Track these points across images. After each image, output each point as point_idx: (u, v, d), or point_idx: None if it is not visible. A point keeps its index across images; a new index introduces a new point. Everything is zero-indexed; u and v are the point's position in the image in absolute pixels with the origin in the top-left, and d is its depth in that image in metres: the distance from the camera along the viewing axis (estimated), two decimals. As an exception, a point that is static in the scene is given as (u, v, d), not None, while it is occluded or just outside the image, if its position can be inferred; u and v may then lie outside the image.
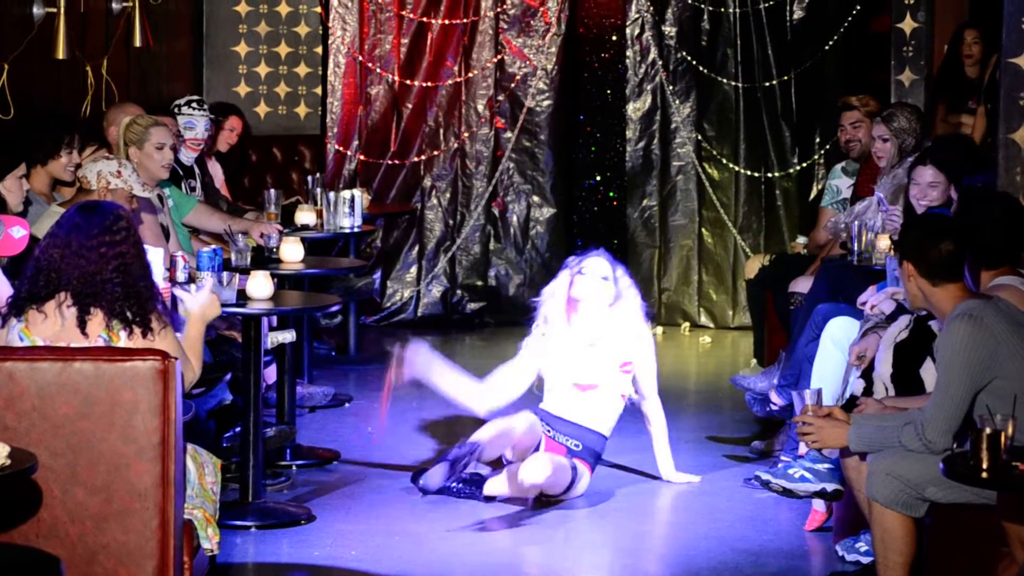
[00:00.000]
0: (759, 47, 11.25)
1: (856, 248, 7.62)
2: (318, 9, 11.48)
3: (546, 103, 11.35)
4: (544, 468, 6.79)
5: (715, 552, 6.37)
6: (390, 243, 11.45)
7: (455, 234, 11.44)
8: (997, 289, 5.51)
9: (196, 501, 5.34)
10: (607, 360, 7.16)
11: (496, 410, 7.27)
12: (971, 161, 7.29)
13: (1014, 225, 5.72)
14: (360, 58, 11.24)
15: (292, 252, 7.87)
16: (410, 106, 11.33)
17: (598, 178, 11.63)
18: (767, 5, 11.21)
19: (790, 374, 7.34)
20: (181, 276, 6.87)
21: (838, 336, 6.82)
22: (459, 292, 11.45)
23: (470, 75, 11.30)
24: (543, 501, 6.91)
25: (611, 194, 11.61)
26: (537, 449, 7.05)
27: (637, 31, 11.31)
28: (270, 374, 7.82)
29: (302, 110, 11.67)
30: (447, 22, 11.26)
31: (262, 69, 11.63)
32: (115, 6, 9.41)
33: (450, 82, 11.31)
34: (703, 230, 11.41)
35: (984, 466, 4.70)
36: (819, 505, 6.53)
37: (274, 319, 7.57)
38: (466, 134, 11.34)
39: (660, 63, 11.27)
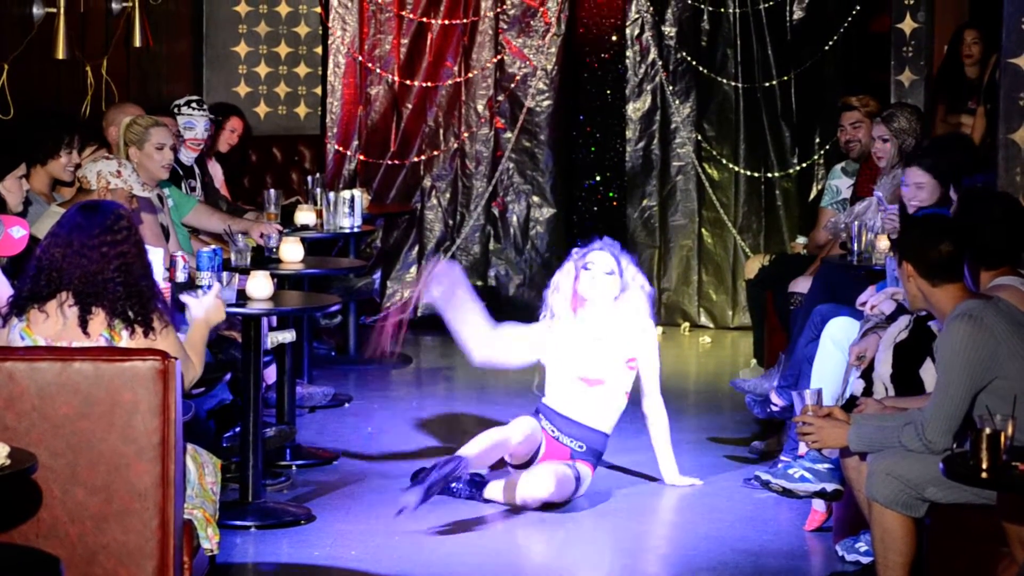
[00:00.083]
0: (759, 47, 11.26)
1: (856, 248, 7.62)
2: (318, 9, 11.48)
3: (546, 103, 11.35)
4: (547, 484, 6.78)
5: (715, 552, 6.38)
6: (390, 243, 11.45)
7: (455, 234, 11.44)
8: (997, 289, 5.51)
9: (196, 501, 5.34)
10: (613, 355, 7.14)
11: (485, 363, 7.24)
12: (961, 162, 7.28)
13: (1014, 225, 5.72)
14: (360, 58, 11.24)
15: (292, 252, 7.87)
16: (410, 106, 11.33)
17: (598, 178, 11.63)
18: (767, 5, 11.21)
19: (790, 374, 7.34)
20: (181, 276, 6.88)
21: (838, 336, 6.82)
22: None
23: (470, 75, 11.31)
24: (545, 505, 6.90)
25: (611, 194, 11.61)
26: (537, 453, 7.04)
27: (637, 31, 11.31)
28: (270, 374, 7.82)
29: (302, 110, 11.67)
30: (447, 22, 11.26)
31: (262, 69, 11.63)
32: (115, 6, 9.41)
33: (450, 82, 11.31)
34: (703, 230, 11.41)
35: (984, 466, 4.70)
36: (819, 505, 6.53)
37: (274, 319, 7.57)
38: (466, 134, 11.35)
39: (660, 63, 11.28)
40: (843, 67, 11.25)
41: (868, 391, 5.98)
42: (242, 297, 6.70)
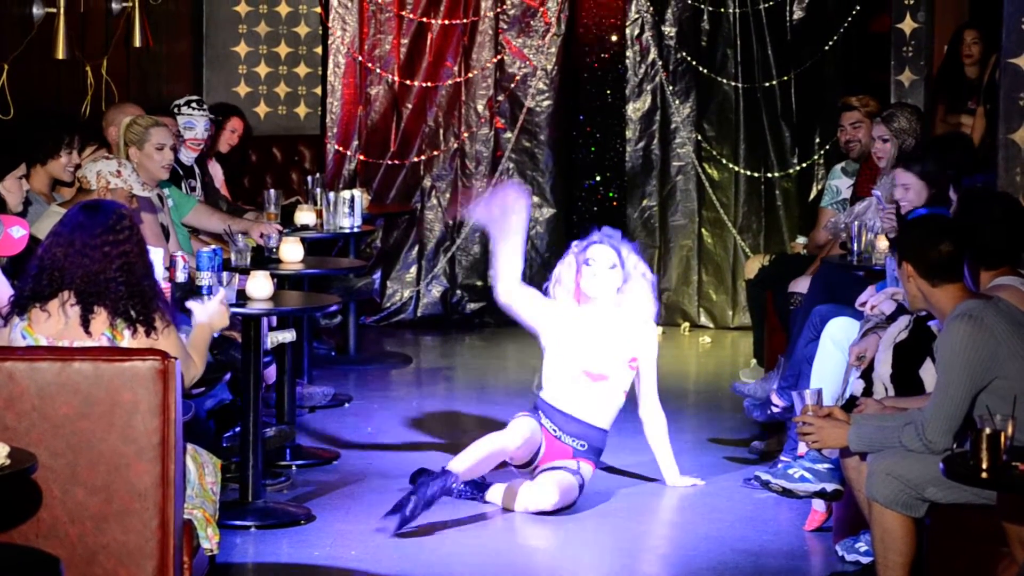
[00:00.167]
0: (759, 47, 11.26)
1: (856, 248, 7.62)
2: (318, 9, 11.48)
3: (546, 103, 11.35)
4: (550, 496, 6.77)
5: (715, 552, 6.38)
6: (390, 243, 11.45)
7: (455, 234, 11.44)
8: (997, 289, 5.51)
9: (196, 501, 5.34)
10: (618, 351, 7.13)
11: (505, 302, 7.19)
12: (953, 163, 7.30)
13: (1014, 225, 5.72)
14: (360, 58, 11.24)
15: (292, 252, 7.87)
16: (410, 106, 11.33)
17: (598, 178, 11.63)
18: (767, 5, 11.21)
19: (790, 375, 7.34)
20: (181, 276, 6.88)
21: (838, 336, 6.82)
22: (459, 292, 11.46)
23: (470, 75, 11.31)
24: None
25: (611, 194, 11.61)
26: (537, 453, 7.03)
27: (637, 31, 11.31)
28: (270, 374, 7.82)
29: (302, 110, 11.67)
30: (447, 22, 11.26)
31: (262, 69, 11.63)
32: (115, 6, 9.41)
33: (450, 82, 11.31)
34: (703, 230, 11.41)
35: (984, 466, 4.70)
36: (819, 505, 6.53)
37: (274, 319, 7.57)
38: (466, 134, 11.34)
39: (660, 63, 11.28)
40: (843, 67, 11.25)
41: (868, 391, 5.98)
42: (242, 297, 6.70)
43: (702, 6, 11.25)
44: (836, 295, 7.45)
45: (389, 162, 11.35)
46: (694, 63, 11.28)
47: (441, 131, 11.38)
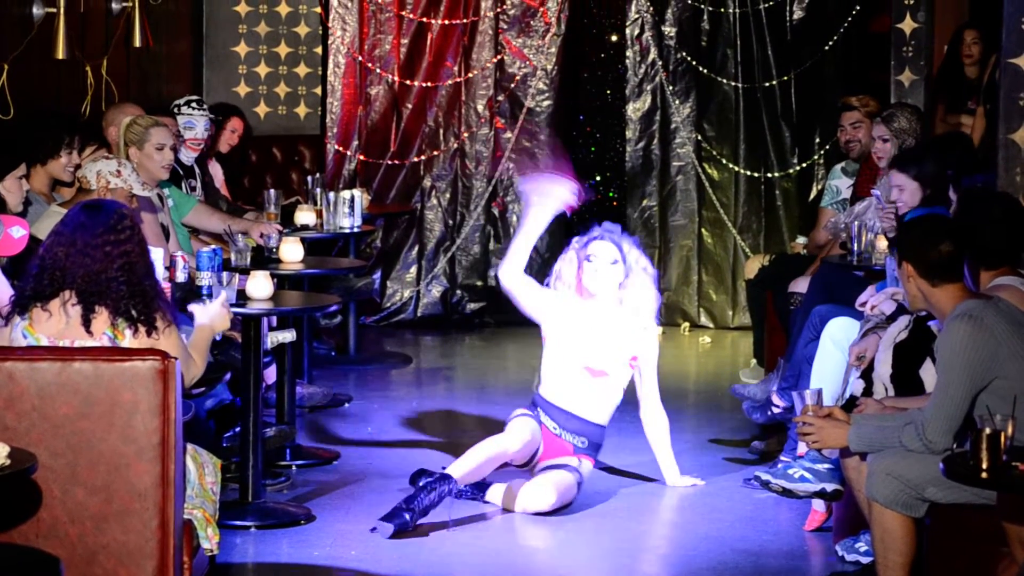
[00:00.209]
0: (759, 47, 11.26)
1: (856, 248, 7.62)
2: (318, 9, 11.48)
3: (546, 103, 11.35)
4: (548, 497, 6.77)
5: (715, 552, 6.38)
6: (390, 243, 11.45)
7: (455, 234, 11.44)
8: (997, 289, 5.51)
9: (196, 501, 5.34)
10: (619, 349, 7.13)
11: (507, 284, 7.21)
12: (949, 163, 7.30)
13: (1014, 225, 5.72)
14: (360, 58, 11.24)
15: (292, 252, 7.87)
16: (410, 106, 11.33)
17: (598, 178, 11.63)
18: (767, 5, 11.21)
19: (790, 375, 7.33)
20: (181, 276, 6.88)
21: (838, 336, 6.82)
22: (459, 292, 11.46)
23: (470, 75, 11.31)
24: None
25: (611, 194, 11.61)
26: (537, 451, 7.02)
27: (637, 31, 11.31)
28: (270, 374, 7.82)
29: (302, 110, 11.67)
30: (447, 22, 11.26)
31: (262, 69, 11.63)
32: (115, 6, 9.41)
33: (450, 82, 11.31)
34: (703, 230, 11.41)
35: (984, 466, 4.70)
36: (819, 505, 6.53)
37: (274, 319, 7.57)
38: (466, 134, 11.34)
39: (660, 63, 11.28)
40: (843, 67, 11.25)
41: (868, 391, 5.98)
42: (242, 297, 6.70)
43: (702, 6, 11.25)
44: (835, 295, 7.45)
45: (389, 162, 11.35)
46: (694, 63, 11.28)
47: (441, 131, 11.38)
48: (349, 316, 10.24)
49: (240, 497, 6.70)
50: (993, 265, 5.67)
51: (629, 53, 11.34)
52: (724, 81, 11.29)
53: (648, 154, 11.38)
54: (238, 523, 6.53)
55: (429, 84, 11.30)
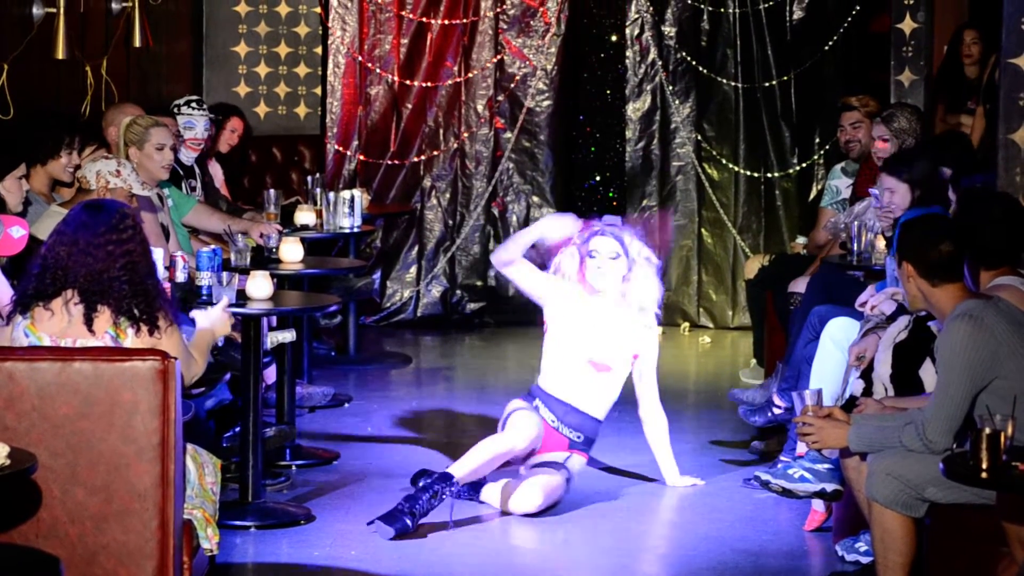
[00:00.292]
0: (759, 47, 11.26)
1: (856, 248, 7.62)
2: (318, 9, 11.48)
3: (546, 103, 11.35)
4: (534, 500, 6.73)
5: (715, 552, 6.38)
6: (390, 243, 11.45)
7: (455, 234, 11.44)
8: (997, 289, 5.51)
9: (196, 501, 5.34)
10: (622, 345, 7.11)
11: (504, 266, 7.17)
12: (946, 162, 7.31)
13: (1014, 225, 5.72)
14: (360, 58, 11.24)
15: (292, 252, 7.87)
16: (410, 106, 11.33)
17: (598, 178, 11.63)
18: (767, 5, 11.21)
19: (790, 376, 7.33)
20: (181, 276, 6.88)
21: (838, 336, 6.82)
22: (459, 292, 11.46)
23: (470, 75, 11.31)
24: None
25: (611, 194, 11.61)
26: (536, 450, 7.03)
27: (637, 31, 11.31)
28: (270, 374, 7.82)
29: (302, 110, 11.67)
30: (447, 22, 11.26)
31: (262, 69, 11.63)
32: (115, 6, 9.41)
33: (450, 82, 11.31)
34: (703, 230, 11.41)
35: (984, 466, 4.70)
36: (818, 505, 6.53)
37: (274, 319, 7.57)
38: (466, 134, 11.34)
39: (660, 63, 11.28)
40: (843, 67, 11.25)
41: (868, 391, 5.98)
42: (242, 297, 6.70)
43: (702, 6, 11.25)
44: (834, 296, 7.45)
45: (389, 162, 11.35)
46: (694, 63, 11.28)
47: (441, 131, 11.38)
48: (349, 316, 10.24)
49: (240, 497, 6.70)
50: (993, 265, 5.67)
51: (629, 53, 11.34)
52: (724, 81, 11.30)
53: (648, 154, 11.38)
54: (238, 523, 6.53)
55: (429, 84, 11.30)
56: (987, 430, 4.70)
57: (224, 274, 6.66)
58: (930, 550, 5.32)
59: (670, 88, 11.28)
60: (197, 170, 9.09)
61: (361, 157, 11.32)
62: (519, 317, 10.83)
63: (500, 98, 11.32)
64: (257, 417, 6.68)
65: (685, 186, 11.39)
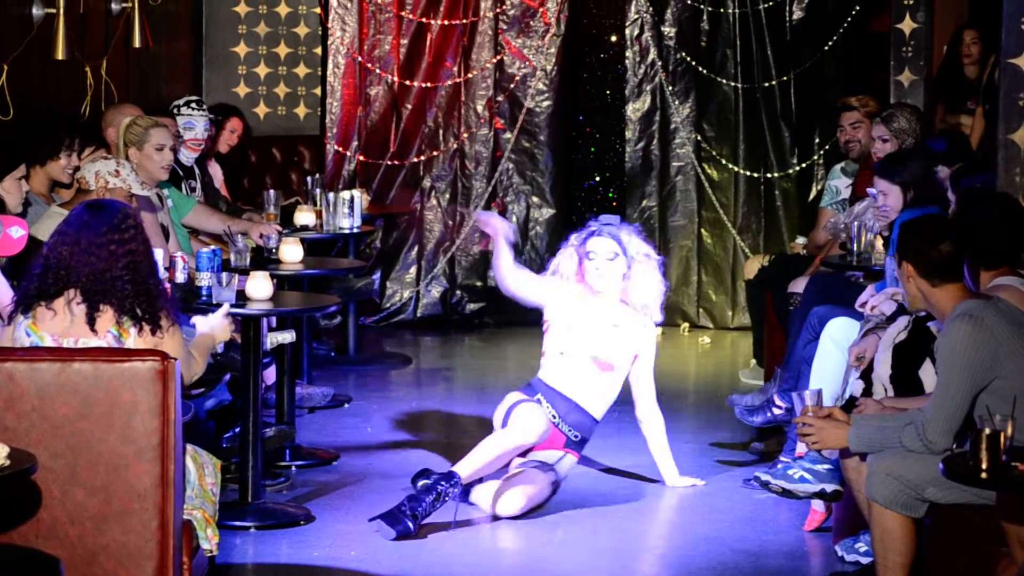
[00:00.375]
0: (758, 48, 11.26)
1: (855, 248, 7.63)
2: (317, 10, 11.48)
3: (545, 104, 11.35)
4: (518, 503, 6.70)
5: (715, 552, 6.38)
6: (389, 244, 11.45)
7: (454, 235, 11.44)
8: (997, 289, 5.52)
9: (196, 502, 5.34)
10: (624, 344, 7.10)
11: (511, 290, 7.19)
12: (925, 166, 7.33)
13: (1013, 226, 5.72)
14: (359, 59, 11.24)
15: (291, 253, 7.87)
16: (409, 107, 11.33)
17: (597, 179, 11.63)
18: (766, 6, 11.21)
19: (790, 376, 7.33)
20: (180, 277, 6.88)
21: (838, 336, 6.82)
22: (458, 293, 11.46)
23: (469, 76, 11.31)
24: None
25: (610, 195, 11.61)
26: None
27: (636, 32, 11.31)
28: (269, 375, 7.82)
29: (301, 111, 11.67)
30: (446, 23, 11.26)
31: (261, 70, 11.63)
32: (115, 7, 9.41)
33: (449, 83, 11.31)
34: (702, 231, 11.41)
35: (983, 466, 4.70)
36: (818, 505, 6.53)
37: (273, 320, 7.57)
38: (465, 135, 11.35)
39: (659, 64, 11.28)
40: (843, 67, 11.25)
41: (868, 392, 5.98)
42: (241, 298, 6.69)
43: (702, 6, 11.25)
44: (832, 298, 7.45)
45: (389, 162, 11.35)
46: (694, 63, 11.28)
47: (441, 131, 11.38)
48: (349, 317, 10.24)
49: (240, 498, 6.70)
50: (993, 265, 5.67)
51: (629, 53, 11.34)
52: (724, 81, 11.30)
53: (648, 154, 11.38)
54: (238, 524, 6.53)
55: (429, 84, 11.30)
56: (987, 430, 4.70)
57: (224, 275, 6.66)
58: (930, 550, 5.32)
59: (670, 88, 11.28)
60: (197, 171, 9.09)
61: (361, 157, 11.32)
62: (519, 317, 10.80)
63: (500, 98, 11.32)
64: (257, 418, 6.68)
65: (685, 186, 11.39)
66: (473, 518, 6.75)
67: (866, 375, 6.07)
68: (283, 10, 11.61)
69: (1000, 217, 5.72)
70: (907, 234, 5.46)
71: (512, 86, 11.31)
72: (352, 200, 9.27)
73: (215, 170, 9.88)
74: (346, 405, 8.89)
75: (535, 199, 11.40)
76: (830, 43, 11.21)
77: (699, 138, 11.33)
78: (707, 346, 10.98)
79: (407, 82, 11.29)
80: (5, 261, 6.15)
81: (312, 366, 9.24)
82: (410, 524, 6.40)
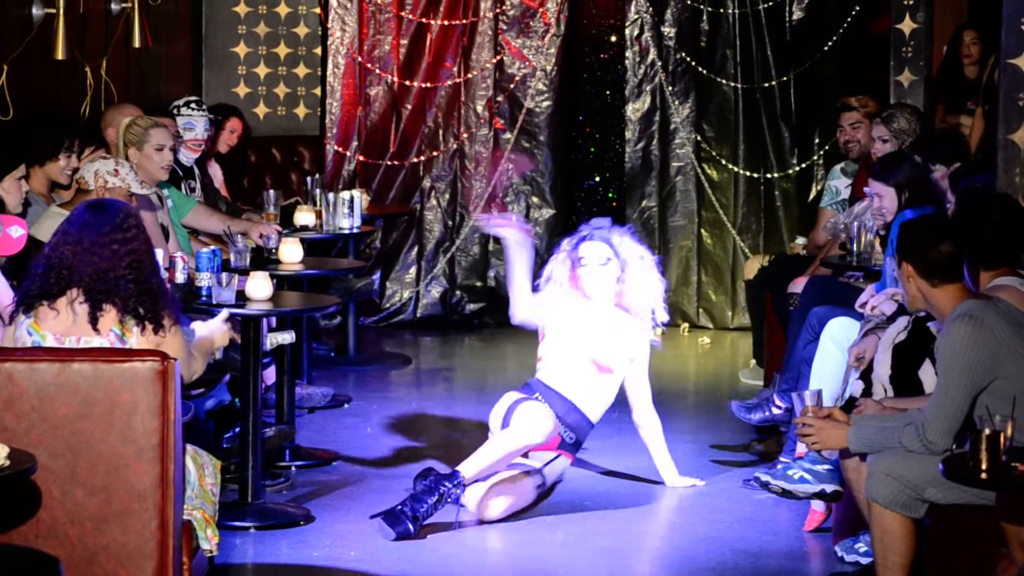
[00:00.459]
0: (758, 48, 11.26)
1: (855, 249, 7.63)
2: (317, 10, 11.48)
3: (545, 104, 11.35)
4: (500, 507, 6.67)
5: (715, 553, 6.38)
6: (389, 244, 11.45)
7: (454, 235, 11.44)
8: (996, 290, 5.52)
9: (196, 502, 5.34)
10: (621, 347, 7.10)
11: (519, 322, 7.18)
12: (919, 167, 7.34)
13: (1013, 226, 5.72)
14: (359, 59, 11.24)
15: (291, 253, 7.87)
16: (409, 107, 11.33)
17: (597, 179, 11.63)
18: (766, 6, 11.21)
19: (790, 377, 7.33)
20: (180, 277, 6.88)
21: (838, 336, 6.82)
22: (458, 293, 11.46)
23: (469, 76, 11.30)
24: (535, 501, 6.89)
25: (610, 195, 11.61)
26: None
27: (636, 32, 11.31)
28: (269, 375, 7.82)
29: (301, 111, 11.67)
30: (446, 23, 11.26)
31: (261, 70, 11.63)
32: (114, 7, 9.41)
33: (449, 83, 11.31)
34: (702, 231, 11.41)
35: (983, 467, 4.70)
36: (818, 505, 6.53)
37: (273, 320, 7.57)
38: (465, 135, 11.34)
39: (659, 64, 11.28)
40: (842, 68, 11.25)
41: (867, 392, 5.98)
42: (241, 298, 6.70)
43: (701, 7, 11.25)
44: (830, 297, 7.45)
45: (388, 163, 11.35)
46: (693, 64, 11.28)
47: (440, 132, 11.38)
48: (348, 317, 10.24)
49: (239, 498, 6.70)
50: (993, 265, 5.67)
51: (628, 54, 11.34)
52: (723, 82, 11.30)
53: (647, 155, 11.38)
54: (237, 524, 6.53)
55: (428, 85, 11.30)
56: (987, 431, 4.70)
57: (224, 275, 6.66)
58: (930, 551, 5.32)
59: (670, 89, 11.28)
60: (196, 171, 9.09)
61: (360, 158, 11.32)
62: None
63: (500, 99, 11.32)
64: (257, 418, 6.68)
65: (685, 187, 11.39)
66: (474, 518, 6.74)
67: (866, 375, 6.07)
68: (283, 10, 11.61)
69: (1000, 217, 5.72)
70: (907, 234, 5.46)
71: (512, 86, 11.31)
72: (352, 200, 9.27)
73: (215, 170, 9.88)
74: (346, 405, 8.89)
75: (535, 199, 11.40)
76: (830, 43, 11.21)
77: (699, 138, 11.33)
78: (707, 346, 10.98)
79: (407, 82, 11.29)
80: (5, 261, 6.15)
81: (312, 366, 9.24)
82: (410, 526, 6.40)
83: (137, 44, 9.48)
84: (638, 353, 7.16)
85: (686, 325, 11.40)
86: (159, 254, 6.29)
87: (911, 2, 9.80)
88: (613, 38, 11.50)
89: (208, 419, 7.36)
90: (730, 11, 11.23)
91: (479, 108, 11.34)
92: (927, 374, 5.81)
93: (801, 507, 6.61)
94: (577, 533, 6.67)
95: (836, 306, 7.14)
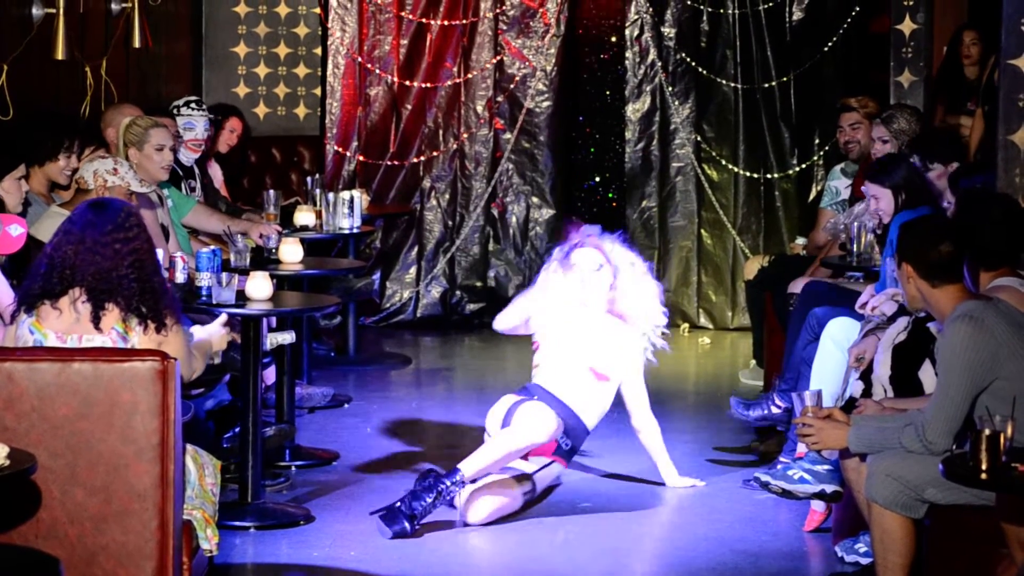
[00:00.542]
0: (758, 48, 11.26)
1: (855, 249, 7.63)
2: (317, 10, 11.48)
3: (545, 104, 11.35)
4: (485, 511, 6.65)
5: (715, 553, 6.38)
6: (389, 244, 11.45)
7: (454, 235, 11.44)
8: (996, 290, 5.52)
9: (196, 502, 5.34)
10: (617, 355, 7.09)
11: (500, 329, 7.24)
12: (912, 170, 7.35)
13: (1013, 226, 5.73)
14: (359, 59, 11.24)
15: (291, 253, 7.87)
16: (409, 107, 11.33)
17: (597, 179, 11.63)
18: (766, 6, 11.21)
19: (790, 377, 7.33)
20: (180, 277, 6.88)
21: (838, 336, 6.82)
22: (458, 293, 11.46)
23: (469, 76, 11.30)
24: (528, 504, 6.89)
25: (610, 195, 11.61)
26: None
27: (636, 32, 11.31)
28: (269, 375, 7.82)
29: (301, 111, 11.67)
30: (446, 23, 11.26)
31: (261, 70, 11.63)
32: (114, 7, 9.41)
33: (449, 83, 11.31)
34: (702, 231, 11.41)
35: (983, 467, 4.70)
36: (818, 505, 6.53)
37: (273, 320, 7.57)
38: (465, 135, 11.35)
39: (659, 64, 11.28)
40: (842, 68, 11.26)
41: (867, 392, 5.98)
42: (241, 298, 6.70)
43: (701, 7, 11.25)
44: (828, 297, 7.46)
45: (388, 163, 11.35)
46: (693, 64, 11.28)
47: (440, 132, 11.38)
48: (348, 317, 10.24)
49: (239, 498, 6.70)
50: (993, 266, 5.67)
51: (628, 54, 11.34)
52: (723, 82, 11.30)
53: (647, 155, 11.38)
54: (237, 524, 6.53)
55: (428, 85, 11.30)
56: (987, 431, 4.70)
57: (224, 275, 6.66)
58: (930, 551, 5.33)
59: (670, 89, 11.28)
60: (196, 171, 9.09)
61: (360, 158, 11.32)
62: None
63: (500, 99, 11.32)
64: (257, 418, 6.68)
65: (685, 187, 11.39)
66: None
67: (866, 376, 6.07)
68: (283, 10, 11.61)
69: (1000, 218, 5.73)
70: (907, 235, 5.46)
71: (512, 86, 11.31)
72: (352, 200, 9.27)
73: (215, 170, 9.89)
74: (346, 405, 8.89)
75: (535, 199, 11.40)
76: (830, 44, 11.21)
77: (699, 139, 11.33)
78: (707, 347, 10.98)
79: (407, 82, 11.29)
80: (5, 260, 6.15)
81: (312, 366, 9.24)
82: (407, 525, 6.40)
83: (137, 44, 9.48)
84: (632, 360, 7.15)
85: (686, 325, 11.41)
86: (159, 254, 6.31)
87: (911, 3, 9.80)
88: (613, 38, 11.50)
89: (208, 419, 7.37)
90: (730, 11, 11.23)
91: (479, 108, 11.34)
92: (927, 375, 5.81)
93: (801, 507, 6.61)
94: (577, 533, 6.67)
95: (834, 305, 7.14)
